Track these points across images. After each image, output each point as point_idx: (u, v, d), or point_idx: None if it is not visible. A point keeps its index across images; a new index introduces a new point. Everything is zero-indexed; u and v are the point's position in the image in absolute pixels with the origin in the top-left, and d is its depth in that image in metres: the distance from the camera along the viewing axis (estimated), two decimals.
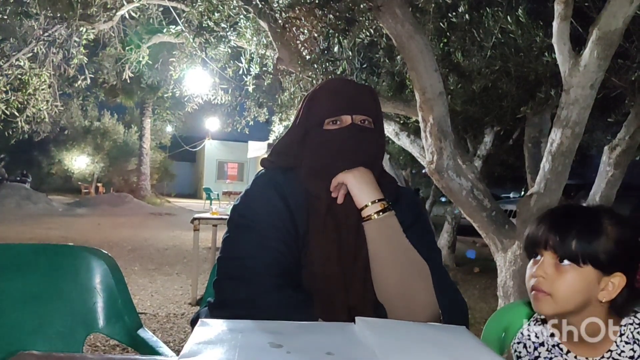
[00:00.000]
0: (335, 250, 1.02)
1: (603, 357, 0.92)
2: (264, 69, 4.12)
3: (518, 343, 1.01)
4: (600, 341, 0.92)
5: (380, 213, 1.00)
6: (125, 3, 4.03)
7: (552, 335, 0.97)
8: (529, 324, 1.01)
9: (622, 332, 0.92)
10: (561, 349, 0.95)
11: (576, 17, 2.28)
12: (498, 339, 1.21)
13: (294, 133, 1.11)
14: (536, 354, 0.97)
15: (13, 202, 12.92)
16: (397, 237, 1.01)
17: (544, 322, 0.99)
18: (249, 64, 4.01)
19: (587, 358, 0.93)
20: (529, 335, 1.00)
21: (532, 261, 0.96)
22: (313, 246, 1.02)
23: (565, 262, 0.89)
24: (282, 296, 0.94)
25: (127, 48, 4.65)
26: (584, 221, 0.91)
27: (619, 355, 0.91)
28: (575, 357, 0.94)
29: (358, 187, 1.01)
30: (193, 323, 1.09)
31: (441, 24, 2.95)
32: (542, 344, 0.98)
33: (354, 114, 1.06)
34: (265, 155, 1.17)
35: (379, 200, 1.01)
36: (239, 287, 0.97)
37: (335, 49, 3.04)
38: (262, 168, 1.15)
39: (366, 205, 1.00)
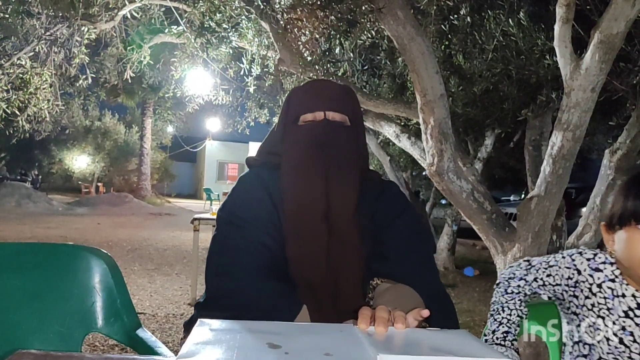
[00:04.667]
0: (315, 254, 1.02)
1: None
2: (265, 70, 4.12)
3: (563, 257, 1.14)
4: None
5: None
6: (127, 3, 4.03)
7: (615, 266, 1.08)
8: (595, 253, 1.12)
9: None
10: (622, 280, 1.06)
11: (578, 20, 2.27)
12: None
13: (276, 132, 1.15)
14: (587, 275, 1.09)
15: (13, 201, 12.92)
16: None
17: (612, 259, 1.10)
18: (250, 65, 4.01)
19: None
20: (591, 259, 1.11)
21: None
22: (292, 249, 1.03)
23: None
24: (266, 286, 0.95)
25: (128, 48, 4.65)
26: None
27: None
28: (637, 290, 1.04)
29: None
30: (186, 326, 1.10)
31: (443, 26, 2.95)
32: (599, 269, 1.09)
33: (327, 110, 1.08)
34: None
35: None
36: (225, 282, 0.98)
37: (337, 51, 3.04)
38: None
39: None
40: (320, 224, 1.02)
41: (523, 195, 9.66)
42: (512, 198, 13.52)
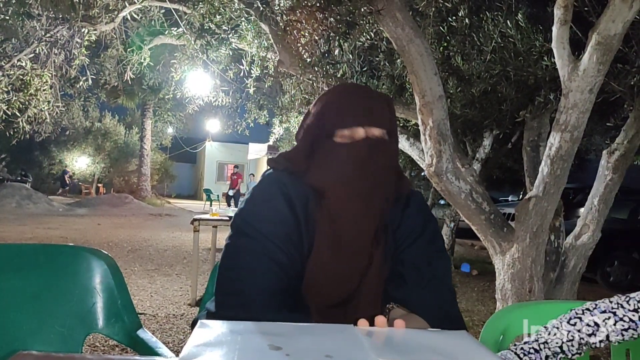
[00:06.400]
0: (340, 268, 0.99)
1: None
2: (265, 71, 4.13)
3: None
4: None
5: None
6: (127, 5, 4.04)
7: None
8: None
9: None
10: None
11: (576, 21, 2.29)
12: (495, 342, 1.22)
13: (303, 140, 1.05)
14: None
15: (13, 202, 12.92)
16: None
17: None
18: (249, 67, 4.02)
19: None
20: None
21: None
22: (316, 260, 0.99)
23: None
24: (279, 319, 0.90)
25: (128, 49, 4.67)
26: None
27: None
28: None
29: None
30: (193, 326, 1.10)
31: (441, 27, 2.96)
32: None
33: (367, 126, 0.99)
34: (266, 157, 1.15)
35: None
36: (236, 306, 0.93)
37: (336, 52, 3.05)
38: (268, 168, 1.10)
39: None
40: (364, 250, 0.99)
41: (521, 196, 9.65)
42: (510, 198, 13.51)
